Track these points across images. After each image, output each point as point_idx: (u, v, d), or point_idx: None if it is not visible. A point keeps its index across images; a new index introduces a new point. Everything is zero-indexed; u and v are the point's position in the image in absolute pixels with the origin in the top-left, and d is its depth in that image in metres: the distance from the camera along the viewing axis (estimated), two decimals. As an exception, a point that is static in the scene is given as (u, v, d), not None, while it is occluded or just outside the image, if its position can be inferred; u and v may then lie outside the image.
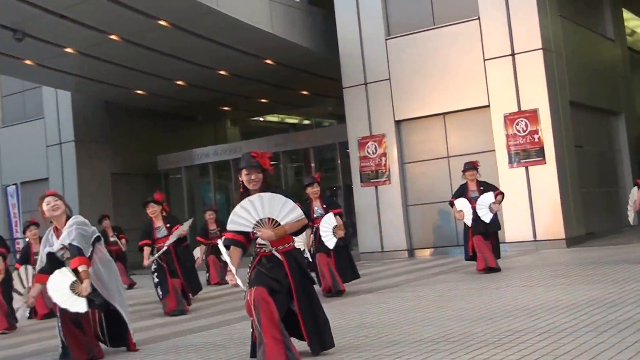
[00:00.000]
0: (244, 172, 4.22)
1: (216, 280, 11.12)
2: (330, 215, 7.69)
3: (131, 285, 12.32)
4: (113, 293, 5.10)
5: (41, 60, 13.89)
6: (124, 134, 17.98)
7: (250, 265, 4.25)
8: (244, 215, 4.12)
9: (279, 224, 4.10)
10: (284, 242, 4.17)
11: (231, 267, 4.10)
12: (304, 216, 4.16)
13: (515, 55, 11.75)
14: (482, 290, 6.84)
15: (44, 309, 8.61)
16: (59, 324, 5.06)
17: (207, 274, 11.29)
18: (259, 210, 4.10)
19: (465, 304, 6.00)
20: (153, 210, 7.83)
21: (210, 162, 17.75)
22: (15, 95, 18.89)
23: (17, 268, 7.95)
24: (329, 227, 7.64)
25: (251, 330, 4.16)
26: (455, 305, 5.98)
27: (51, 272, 5.06)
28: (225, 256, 4.14)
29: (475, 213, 8.52)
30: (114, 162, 17.71)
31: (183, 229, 7.71)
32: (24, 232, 9.06)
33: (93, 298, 5.03)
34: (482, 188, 8.56)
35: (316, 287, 4.72)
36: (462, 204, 8.59)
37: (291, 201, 4.12)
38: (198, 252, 10.85)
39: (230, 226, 4.15)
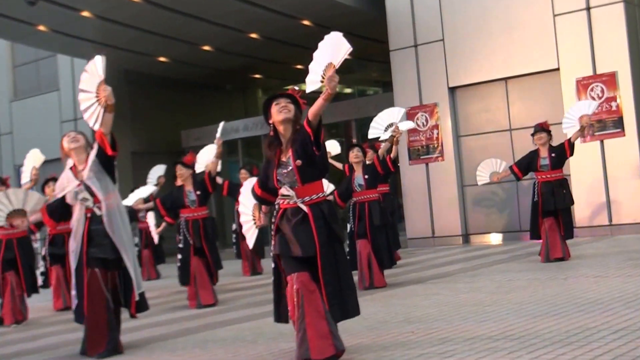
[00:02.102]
0: (273, 104, 4.25)
1: (248, 272, 11.20)
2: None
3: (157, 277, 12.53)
4: (123, 244, 5.14)
5: (55, 25, 14.18)
6: (145, 107, 18.25)
7: (273, 220, 4.23)
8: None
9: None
10: (312, 192, 4.10)
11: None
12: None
13: (591, 10, 11.40)
14: (547, 281, 6.75)
15: (60, 304, 8.85)
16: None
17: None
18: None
19: (528, 296, 5.93)
20: (180, 173, 7.81)
21: (240, 137, 17.87)
22: (29, 65, 19.37)
23: (32, 230, 8.19)
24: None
25: (274, 294, 4.30)
26: (517, 298, 5.92)
27: (55, 216, 5.35)
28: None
29: (541, 186, 8.36)
30: (134, 140, 18.02)
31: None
32: (42, 189, 9.25)
33: (105, 256, 5.10)
34: (553, 155, 8.36)
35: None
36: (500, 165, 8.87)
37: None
38: None
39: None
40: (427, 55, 12.93)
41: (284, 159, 4.16)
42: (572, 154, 8.46)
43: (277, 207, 4.26)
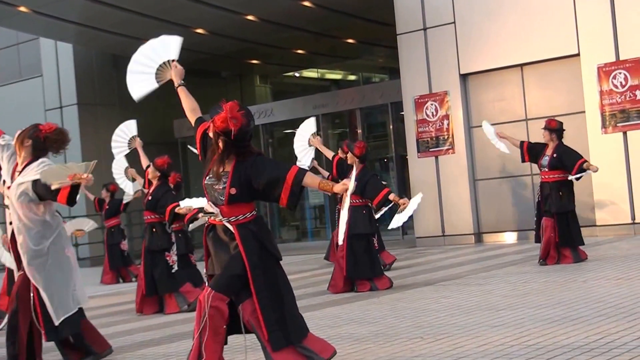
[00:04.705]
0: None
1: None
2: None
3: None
4: (36, 270, 4.95)
5: (37, 6, 14.15)
6: (135, 94, 18.23)
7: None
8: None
9: None
10: (238, 212, 3.98)
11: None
12: None
13: (614, -9, 11.39)
14: (565, 284, 6.77)
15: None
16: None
17: None
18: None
19: (545, 300, 5.95)
20: (151, 174, 8.10)
21: (237, 127, 17.87)
22: (9, 49, 19.33)
23: None
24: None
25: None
26: (532, 302, 5.95)
27: None
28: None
29: (541, 187, 8.47)
30: (124, 129, 18.01)
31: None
32: None
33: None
34: (555, 155, 8.36)
35: None
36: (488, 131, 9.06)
37: None
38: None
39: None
40: (437, 39, 12.89)
41: (221, 170, 4.00)
42: (576, 178, 8.36)
43: (206, 221, 4.15)
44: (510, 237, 12.56)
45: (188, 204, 7.56)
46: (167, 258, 7.88)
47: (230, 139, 3.92)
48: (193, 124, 4.28)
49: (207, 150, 4.13)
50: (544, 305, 5.71)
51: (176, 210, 7.56)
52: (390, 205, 8.20)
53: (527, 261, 9.06)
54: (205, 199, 4.08)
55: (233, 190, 3.96)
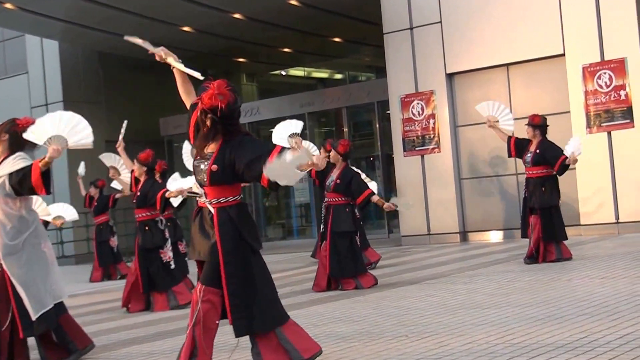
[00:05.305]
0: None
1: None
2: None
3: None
4: (11, 264, 4.91)
5: (23, 3, 14.06)
6: (121, 92, 18.18)
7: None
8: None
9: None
10: (220, 195, 3.96)
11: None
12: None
13: (599, -8, 11.44)
14: (550, 283, 6.78)
15: None
16: None
17: None
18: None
19: (529, 299, 5.96)
20: (136, 169, 8.05)
21: (223, 125, 17.82)
22: (-7, 45, 19.22)
23: None
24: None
25: None
26: (517, 300, 5.95)
27: None
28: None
29: (526, 182, 8.52)
30: (109, 127, 17.80)
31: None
32: None
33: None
34: (538, 151, 8.40)
35: None
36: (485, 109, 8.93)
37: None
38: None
39: None
40: (423, 38, 12.90)
41: (207, 150, 3.99)
42: (559, 173, 8.40)
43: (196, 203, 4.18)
44: (495, 236, 12.60)
45: (177, 185, 7.47)
46: (162, 255, 7.81)
47: (217, 117, 3.86)
48: (188, 108, 4.20)
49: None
50: (528, 304, 5.72)
51: (167, 195, 7.47)
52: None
53: (512, 260, 9.08)
54: (192, 177, 4.08)
55: (214, 167, 3.91)
